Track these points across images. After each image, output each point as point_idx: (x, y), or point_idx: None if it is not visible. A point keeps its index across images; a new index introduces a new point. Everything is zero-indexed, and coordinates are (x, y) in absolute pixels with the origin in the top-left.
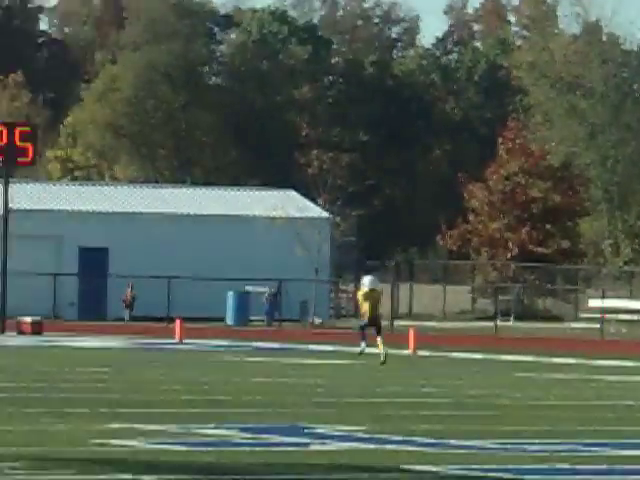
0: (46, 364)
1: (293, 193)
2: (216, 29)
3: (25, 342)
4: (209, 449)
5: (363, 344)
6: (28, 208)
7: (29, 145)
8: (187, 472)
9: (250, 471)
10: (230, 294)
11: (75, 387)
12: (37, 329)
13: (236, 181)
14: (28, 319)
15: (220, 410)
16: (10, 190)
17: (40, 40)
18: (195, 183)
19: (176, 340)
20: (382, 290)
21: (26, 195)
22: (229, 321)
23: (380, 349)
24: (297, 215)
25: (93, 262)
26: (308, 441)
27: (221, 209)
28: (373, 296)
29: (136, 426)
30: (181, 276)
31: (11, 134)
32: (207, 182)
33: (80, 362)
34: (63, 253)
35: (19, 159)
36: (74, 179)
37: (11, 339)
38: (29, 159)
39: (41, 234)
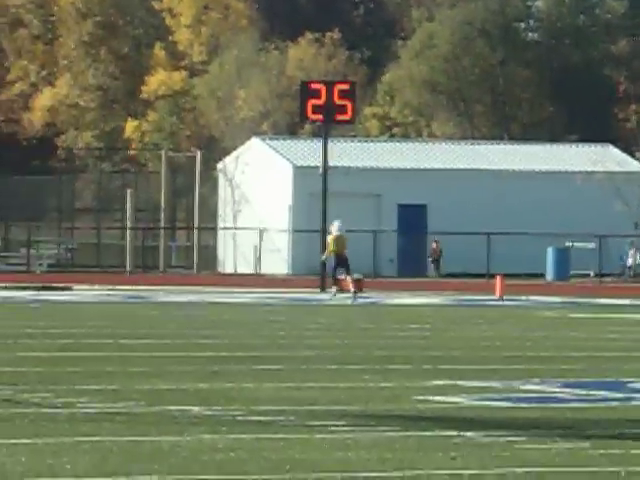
0: (367, 321)
1: (611, 148)
2: None
3: (346, 300)
4: (532, 405)
5: (334, 289)
6: (347, 165)
7: (348, 103)
8: (511, 428)
9: (574, 426)
10: (550, 250)
11: (396, 344)
12: (358, 286)
13: (553, 137)
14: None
15: (542, 366)
16: (329, 148)
17: None
18: (512, 139)
19: (496, 297)
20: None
21: (345, 153)
22: (549, 277)
23: (350, 287)
24: (616, 170)
25: (412, 219)
26: (630, 396)
27: (539, 165)
28: (341, 240)
29: (459, 383)
30: (500, 232)
31: (330, 92)
32: (524, 138)
33: (400, 319)
34: (382, 210)
35: (338, 117)
36: (392, 137)
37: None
38: (348, 117)
39: (360, 191)
